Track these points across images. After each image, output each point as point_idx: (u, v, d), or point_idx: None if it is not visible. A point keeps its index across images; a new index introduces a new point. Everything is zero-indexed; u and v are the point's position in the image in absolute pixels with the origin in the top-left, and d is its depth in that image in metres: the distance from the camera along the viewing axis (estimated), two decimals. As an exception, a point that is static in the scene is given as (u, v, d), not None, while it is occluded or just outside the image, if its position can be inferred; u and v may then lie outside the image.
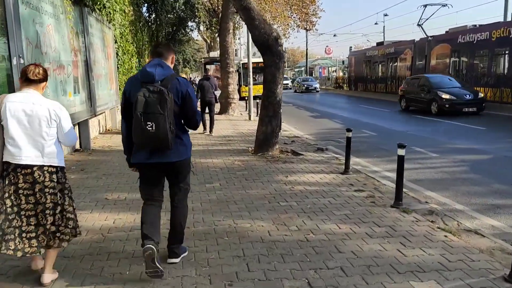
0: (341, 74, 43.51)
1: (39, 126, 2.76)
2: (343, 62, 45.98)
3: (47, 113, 2.78)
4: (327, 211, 4.50)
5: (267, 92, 7.77)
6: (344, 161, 7.24)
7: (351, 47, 58.78)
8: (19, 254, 2.77)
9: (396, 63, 25.00)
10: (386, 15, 43.57)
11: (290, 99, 27.53)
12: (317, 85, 37.46)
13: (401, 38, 27.52)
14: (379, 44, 28.76)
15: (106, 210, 4.59)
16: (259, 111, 8.24)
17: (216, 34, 30.65)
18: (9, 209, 2.75)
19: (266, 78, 7.74)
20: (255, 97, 16.20)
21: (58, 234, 2.87)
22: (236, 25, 25.23)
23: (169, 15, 25.63)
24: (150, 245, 2.83)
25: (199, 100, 10.96)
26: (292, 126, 13.18)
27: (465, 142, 9.44)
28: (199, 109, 3.55)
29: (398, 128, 12.10)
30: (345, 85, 36.41)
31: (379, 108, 18.67)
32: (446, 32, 20.47)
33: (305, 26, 32.32)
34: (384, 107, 19.23)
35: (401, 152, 4.66)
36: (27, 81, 2.80)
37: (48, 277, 2.91)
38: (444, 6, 22.54)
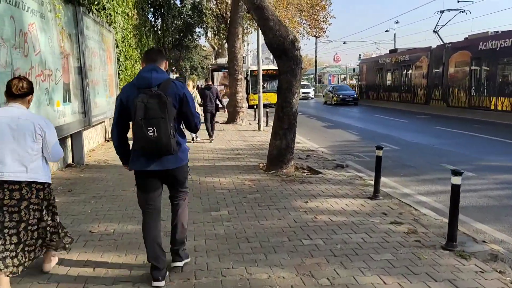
0: (351, 82, 42.58)
1: (24, 141, 2.73)
2: (353, 70, 45.04)
3: (32, 128, 2.75)
4: (363, 255, 3.58)
5: (282, 102, 6.89)
6: (370, 181, 6.35)
7: (360, 54, 58.01)
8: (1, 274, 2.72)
9: (410, 71, 24.03)
10: (397, 22, 42.86)
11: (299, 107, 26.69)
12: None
13: (412, 46, 26.41)
14: (392, 51, 27.82)
15: (87, 249, 3.70)
16: (272, 123, 7.30)
17: (224, 41, 29.95)
18: None
19: (281, 86, 6.86)
20: (264, 106, 15.46)
21: (45, 244, 2.97)
22: (245, 31, 24.52)
23: (176, 21, 25.00)
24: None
25: (201, 109, 10.88)
26: (304, 137, 12.26)
27: (500, 158, 8.46)
28: (199, 111, 3.49)
29: (421, 141, 11.13)
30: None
31: (395, 118, 17.69)
32: (465, 38, 19.50)
33: (315, 33, 31.63)
34: (400, 116, 18.26)
35: (456, 180, 3.74)
36: (12, 95, 2.77)
37: (47, 266, 3.12)
38: (462, 12, 21.62)
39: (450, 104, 19.34)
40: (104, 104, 9.27)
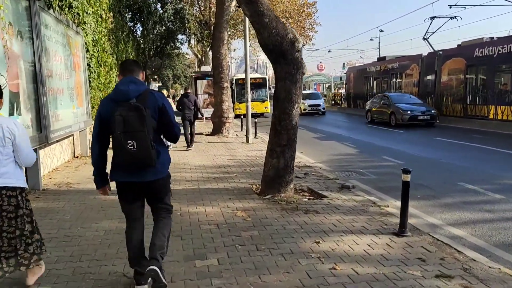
0: (337, 90, 41.96)
1: None
2: (340, 78, 44.50)
3: (1, 131, 2.68)
4: None
5: (279, 114, 5.78)
6: (386, 208, 5.31)
7: (344, 63, 57.78)
8: None
9: (400, 79, 23.35)
10: (381, 31, 42.43)
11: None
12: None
13: (396, 54, 25.62)
14: (381, 59, 27.18)
15: None
16: (268, 138, 6.15)
17: (208, 48, 28.86)
18: None
19: (279, 95, 5.76)
20: (245, 115, 14.31)
21: (18, 258, 2.82)
22: (231, 35, 23.50)
23: (157, 26, 23.79)
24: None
25: (181, 117, 10.89)
26: (297, 150, 11.14)
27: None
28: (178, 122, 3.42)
29: (425, 154, 10.17)
30: (342, 102, 34.76)
31: (388, 128, 16.78)
32: (459, 45, 18.88)
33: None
34: (393, 126, 17.38)
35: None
36: None
37: (31, 279, 2.98)
38: (453, 18, 21.09)
39: (444, 113, 18.61)
40: (70, 116, 7.98)
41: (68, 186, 6.58)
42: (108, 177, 3.00)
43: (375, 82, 26.56)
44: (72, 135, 9.25)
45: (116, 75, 13.64)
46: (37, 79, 5.99)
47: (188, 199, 5.76)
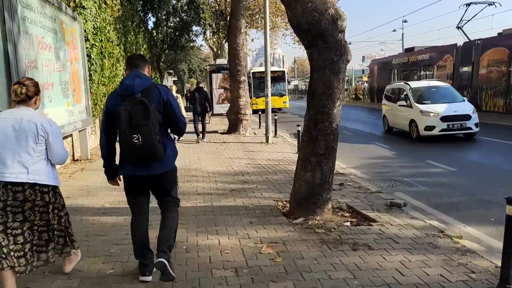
0: (358, 85, 40.19)
1: (26, 142, 2.73)
2: (363, 71, 42.64)
3: (35, 129, 2.74)
4: None
5: (315, 114, 4.45)
6: (458, 239, 4.04)
7: (363, 56, 55.74)
8: (8, 274, 2.71)
9: (431, 72, 21.61)
10: (405, 21, 40.33)
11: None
12: None
13: (423, 45, 23.80)
14: (409, 50, 25.43)
15: None
16: (300, 145, 4.80)
17: (224, 40, 27.58)
18: None
19: (314, 89, 4.42)
20: (263, 111, 13.09)
21: (49, 252, 2.91)
22: (247, 25, 22.08)
23: (171, 18, 22.62)
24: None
25: (192, 111, 11.67)
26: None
27: None
28: (184, 115, 3.46)
29: (477, 158, 8.70)
30: (364, 96, 33.09)
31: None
32: (500, 34, 17.10)
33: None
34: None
35: None
36: (15, 100, 2.77)
37: (68, 267, 3.16)
38: (491, 5, 19.25)
39: (483, 109, 16.90)
40: (63, 115, 6.82)
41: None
42: (118, 170, 3.06)
43: (402, 75, 24.82)
44: (73, 135, 8.11)
45: (123, 68, 12.50)
46: (10, 70, 4.80)
47: (198, 223, 4.50)
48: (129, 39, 14.16)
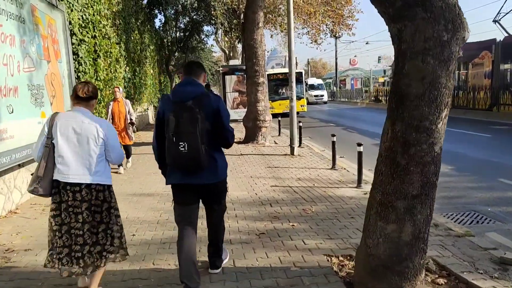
0: (377, 86, 38.17)
1: (88, 145, 2.78)
2: (384, 71, 40.48)
3: (95, 132, 2.78)
4: None
5: (405, 131, 2.68)
6: None
7: (379, 57, 53.59)
8: (65, 274, 2.76)
9: (466, 70, 19.61)
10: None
11: (328, 116, 22.40)
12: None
13: None
14: (437, 47, 23.39)
15: None
16: (374, 176, 2.99)
17: (237, 40, 25.95)
18: (57, 227, 2.76)
19: (405, 90, 2.65)
20: (275, 115, 11.39)
21: (104, 253, 2.86)
22: (269, 15, 20.30)
23: (180, 17, 21.08)
24: None
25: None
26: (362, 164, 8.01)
27: None
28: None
29: None
30: (385, 98, 31.08)
31: (468, 131, 13.17)
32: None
33: (338, 31, 27.55)
34: (470, 128, 13.82)
35: None
36: (77, 98, 2.83)
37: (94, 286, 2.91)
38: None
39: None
40: (32, 130, 5.14)
41: (5, 259, 3.73)
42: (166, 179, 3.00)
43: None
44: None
45: (125, 70, 10.91)
46: None
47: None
48: (132, 37, 12.59)
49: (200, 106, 2.75)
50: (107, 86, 8.76)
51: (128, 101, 7.68)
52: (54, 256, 2.75)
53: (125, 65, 11.02)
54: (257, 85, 11.38)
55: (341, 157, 9.41)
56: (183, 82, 2.92)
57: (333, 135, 7.82)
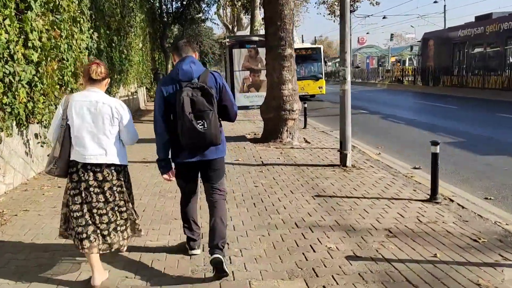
0: (398, 65, 34.52)
1: (103, 124, 2.77)
2: (411, 47, 36.65)
3: (110, 111, 2.78)
4: None
5: None
6: None
7: (392, 34, 49.62)
8: (95, 251, 2.79)
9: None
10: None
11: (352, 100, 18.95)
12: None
13: (465, 21, 18.15)
14: (482, 18, 19.78)
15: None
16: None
17: (244, 11, 22.25)
18: (78, 206, 2.77)
19: None
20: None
21: (132, 228, 2.98)
22: None
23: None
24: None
25: None
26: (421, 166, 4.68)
27: None
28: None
29: None
30: (410, 78, 27.54)
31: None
32: None
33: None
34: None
35: None
36: (90, 80, 2.81)
37: (98, 278, 2.87)
38: None
39: None
40: None
41: None
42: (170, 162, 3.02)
43: (475, 49, 19.28)
44: None
45: (89, 35, 7.47)
46: None
47: None
48: (107, 7, 9.11)
49: (206, 83, 2.80)
50: (47, 59, 5.34)
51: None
52: (78, 237, 2.76)
53: (91, 30, 7.57)
54: (282, 59, 7.97)
55: (415, 167, 6.18)
56: (186, 61, 2.88)
57: (435, 144, 4.43)
